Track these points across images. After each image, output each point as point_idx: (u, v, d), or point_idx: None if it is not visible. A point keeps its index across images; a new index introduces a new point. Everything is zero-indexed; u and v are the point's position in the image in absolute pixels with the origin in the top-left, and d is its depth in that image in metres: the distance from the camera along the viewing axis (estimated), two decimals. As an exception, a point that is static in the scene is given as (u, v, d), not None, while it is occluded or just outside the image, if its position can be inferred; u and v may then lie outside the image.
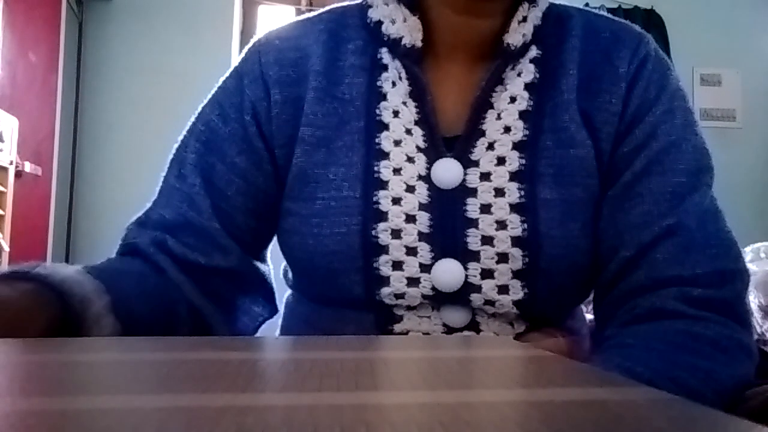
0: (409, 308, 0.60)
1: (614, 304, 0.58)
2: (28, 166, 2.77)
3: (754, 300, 2.11)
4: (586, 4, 3.51)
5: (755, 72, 3.93)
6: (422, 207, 0.60)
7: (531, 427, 0.17)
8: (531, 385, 0.24)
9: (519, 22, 0.62)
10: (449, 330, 0.60)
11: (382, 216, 0.59)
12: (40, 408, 0.19)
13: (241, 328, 0.67)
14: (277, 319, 0.71)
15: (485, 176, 0.60)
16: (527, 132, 0.61)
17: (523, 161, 0.60)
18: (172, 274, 0.60)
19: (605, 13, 0.69)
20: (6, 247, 2.34)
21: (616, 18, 0.68)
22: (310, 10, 0.71)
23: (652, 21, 3.77)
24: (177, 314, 0.59)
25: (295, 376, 0.24)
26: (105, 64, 3.41)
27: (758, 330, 2.11)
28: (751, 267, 2.17)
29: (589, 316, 0.68)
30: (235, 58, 0.69)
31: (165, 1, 3.48)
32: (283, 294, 0.72)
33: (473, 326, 0.60)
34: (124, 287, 0.53)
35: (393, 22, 0.63)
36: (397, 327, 0.60)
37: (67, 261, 3.21)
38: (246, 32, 3.69)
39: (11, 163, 2.51)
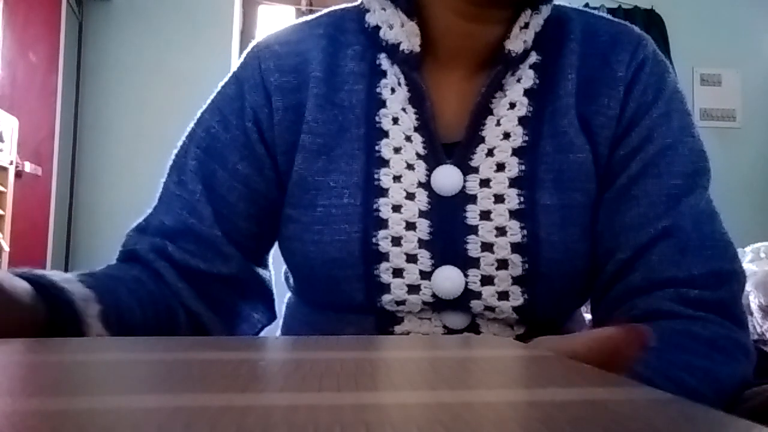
0: (410, 311, 0.60)
1: (611, 306, 0.58)
2: (28, 166, 2.77)
3: (754, 300, 2.11)
4: (586, 4, 3.51)
5: (755, 72, 3.93)
6: (422, 214, 0.59)
7: (531, 427, 0.17)
8: (531, 385, 0.24)
9: (521, 29, 0.61)
10: (449, 332, 0.60)
11: (383, 223, 0.59)
12: (40, 408, 0.19)
13: (240, 335, 0.67)
14: (278, 320, 0.71)
15: (485, 183, 0.60)
16: (527, 138, 0.61)
17: (523, 167, 0.60)
18: (171, 280, 0.60)
19: (605, 14, 0.69)
20: (6, 247, 2.34)
21: (615, 19, 0.68)
22: (311, 11, 0.70)
23: (652, 21, 3.77)
24: (175, 320, 0.59)
25: (295, 376, 0.24)
26: (105, 64, 3.41)
27: (758, 330, 2.11)
28: (751, 267, 2.16)
29: (588, 316, 0.68)
30: (235, 59, 0.69)
31: (165, 1, 3.48)
32: (284, 297, 0.72)
33: (473, 328, 0.60)
34: (117, 295, 0.53)
35: (390, 27, 0.62)
36: (398, 329, 0.60)
37: (66, 261, 3.21)
38: (246, 32, 3.69)
39: (11, 163, 2.51)
